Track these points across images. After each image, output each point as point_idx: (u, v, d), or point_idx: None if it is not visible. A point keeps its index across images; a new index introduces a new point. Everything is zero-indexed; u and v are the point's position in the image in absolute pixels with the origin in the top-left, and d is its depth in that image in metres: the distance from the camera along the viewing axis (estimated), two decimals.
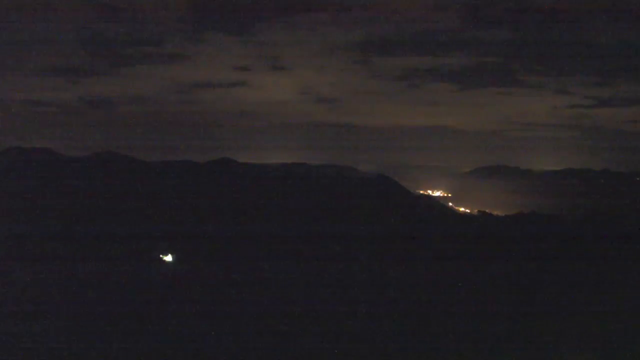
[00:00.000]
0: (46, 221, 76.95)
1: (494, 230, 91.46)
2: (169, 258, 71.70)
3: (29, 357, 47.49)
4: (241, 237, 77.22)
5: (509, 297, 64.29)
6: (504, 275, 71.10)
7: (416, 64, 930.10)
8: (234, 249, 73.61)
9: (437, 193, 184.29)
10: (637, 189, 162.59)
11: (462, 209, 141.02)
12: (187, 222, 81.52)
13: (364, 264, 73.46)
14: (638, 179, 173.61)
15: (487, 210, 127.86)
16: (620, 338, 54.12)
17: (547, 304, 63.11)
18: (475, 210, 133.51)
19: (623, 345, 52.93)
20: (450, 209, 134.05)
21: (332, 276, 69.13)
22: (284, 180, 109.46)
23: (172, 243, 73.64)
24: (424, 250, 77.04)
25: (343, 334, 54.73)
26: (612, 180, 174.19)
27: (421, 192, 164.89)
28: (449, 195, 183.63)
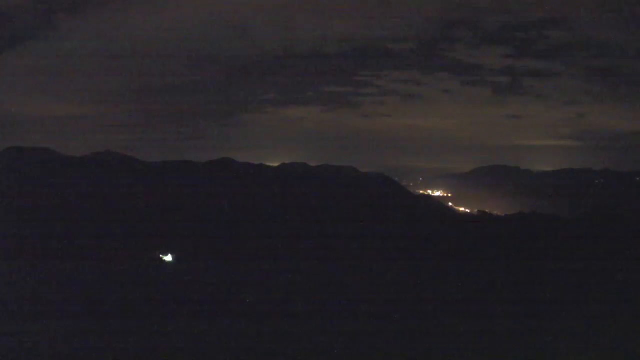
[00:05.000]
0: (46, 221, 76.86)
1: (494, 230, 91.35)
2: (169, 258, 71.70)
3: (29, 357, 47.46)
4: (241, 237, 77.24)
5: (509, 297, 64.25)
6: (504, 275, 71.09)
7: None
8: (233, 249, 73.65)
9: (437, 193, 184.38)
10: (637, 189, 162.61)
11: (462, 209, 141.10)
12: (187, 222, 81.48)
13: (363, 264, 73.46)
14: (638, 179, 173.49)
15: (487, 210, 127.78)
16: (621, 338, 54.07)
17: (547, 304, 63.08)
18: (475, 210, 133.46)
19: (623, 345, 52.88)
20: (450, 209, 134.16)
21: (332, 276, 69.13)
22: (284, 180, 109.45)
23: (172, 243, 73.66)
24: (424, 250, 77.03)
25: (343, 334, 54.69)
26: (612, 180, 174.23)
27: (421, 192, 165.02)
28: (449, 195, 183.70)
